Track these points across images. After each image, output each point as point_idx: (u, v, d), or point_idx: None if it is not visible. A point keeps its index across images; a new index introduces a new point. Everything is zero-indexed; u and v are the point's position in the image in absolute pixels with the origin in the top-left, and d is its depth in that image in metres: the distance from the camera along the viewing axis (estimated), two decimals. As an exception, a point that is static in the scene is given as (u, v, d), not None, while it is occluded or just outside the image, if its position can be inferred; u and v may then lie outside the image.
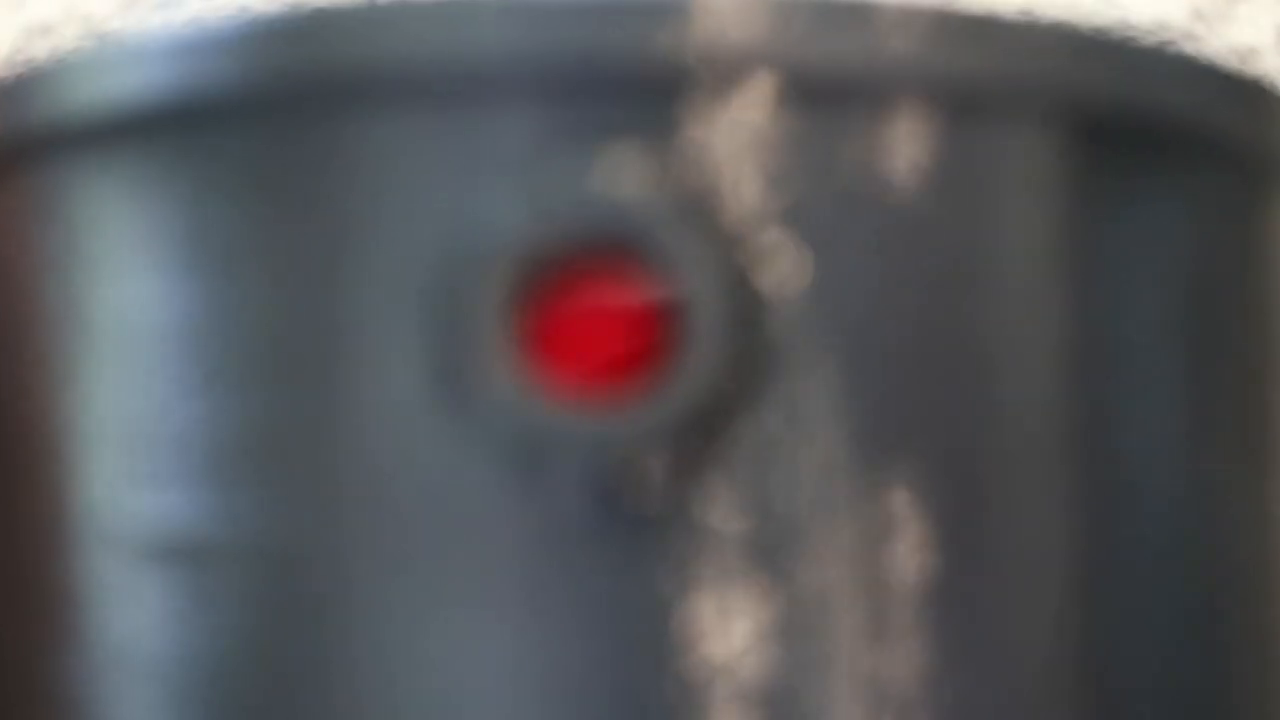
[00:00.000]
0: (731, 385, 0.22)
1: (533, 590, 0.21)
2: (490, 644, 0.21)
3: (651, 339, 0.22)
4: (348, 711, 0.22)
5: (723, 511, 0.22)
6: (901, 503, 0.22)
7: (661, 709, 0.21)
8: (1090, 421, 0.23)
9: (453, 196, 0.22)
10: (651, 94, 0.22)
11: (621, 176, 0.22)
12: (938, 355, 0.22)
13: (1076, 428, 0.23)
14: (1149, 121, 0.24)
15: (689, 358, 0.21)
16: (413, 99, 0.22)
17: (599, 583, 0.21)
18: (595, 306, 0.22)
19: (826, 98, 0.22)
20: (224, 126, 0.23)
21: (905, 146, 0.22)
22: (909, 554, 0.22)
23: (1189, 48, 0.25)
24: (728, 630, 0.21)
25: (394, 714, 0.21)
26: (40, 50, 0.25)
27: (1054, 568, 0.22)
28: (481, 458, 0.22)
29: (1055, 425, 0.23)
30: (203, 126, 0.23)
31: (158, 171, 0.23)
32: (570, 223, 0.22)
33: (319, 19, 0.22)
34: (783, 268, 0.22)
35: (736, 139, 0.22)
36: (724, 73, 0.22)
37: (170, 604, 0.23)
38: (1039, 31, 0.23)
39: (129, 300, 0.23)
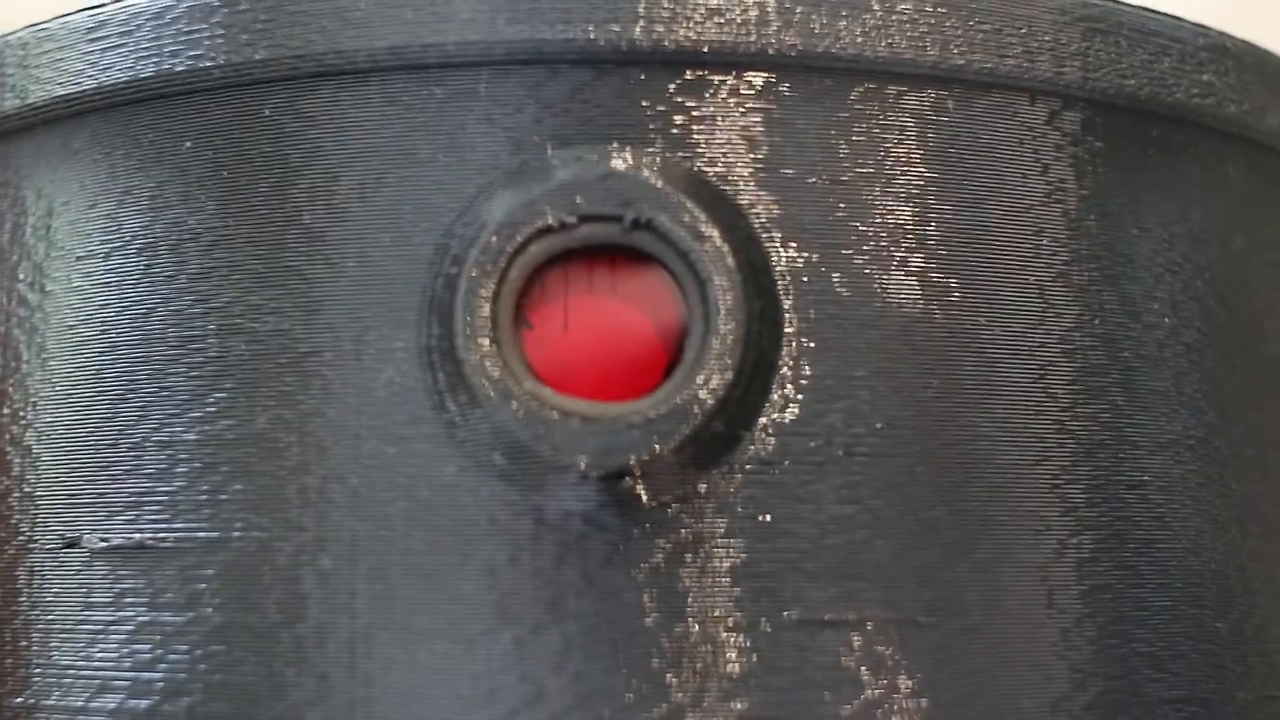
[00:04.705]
0: (735, 389, 0.21)
1: (524, 601, 0.21)
2: (480, 655, 0.21)
3: (653, 340, 0.21)
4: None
5: (719, 528, 0.21)
6: (912, 530, 0.21)
7: (651, 715, 0.21)
8: (1104, 427, 0.22)
9: (444, 190, 0.21)
10: (645, 81, 0.21)
11: (618, 167, 0.21)
12: (940, 345, 0.22)
13: (1086, 430, 0.22)
14: (1166, 103, 0.23)
15: (693, 358, 0.21)
16: (401, 88, 0.22)
17: (589, 592, 0.21)
18: (593, 305, 0.21)
19: (824, 83, 0.22)
20: (199, 106, 0.22)
21: (905, 132, 0.22)
22: (910, 588, 0.21)
23: (1209, 28, 0.24)
24: (718, 648, 0.21)
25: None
26: None
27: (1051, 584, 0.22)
28: (474, 465, 0.21)
29: (1062, 429, 0.22)
30: (177, 106, 0.22)
31: (129, 151, 0.23)
32: (564, 215, 0.21)
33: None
34: (786, 258, 0.21)
35: (733, 127, 0.21)
36: (720, 60, 0.21)
37: (141, 613, 0.22)
38: (1046, 7, 0.22)
39: (96, 294, 0.23)
